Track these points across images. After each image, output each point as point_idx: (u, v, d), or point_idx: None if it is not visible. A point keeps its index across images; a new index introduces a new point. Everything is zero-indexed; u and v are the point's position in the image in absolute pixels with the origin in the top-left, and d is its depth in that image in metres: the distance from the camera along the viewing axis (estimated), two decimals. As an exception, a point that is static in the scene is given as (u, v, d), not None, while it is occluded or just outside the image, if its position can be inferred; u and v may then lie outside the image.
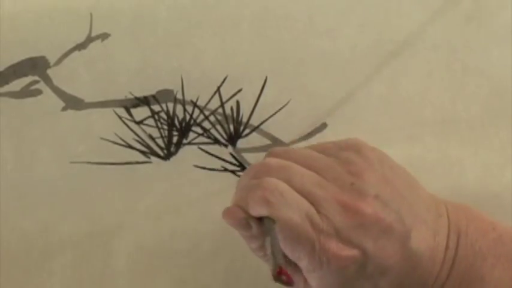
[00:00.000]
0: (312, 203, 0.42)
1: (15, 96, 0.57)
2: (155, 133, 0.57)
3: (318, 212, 0.42)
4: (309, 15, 0.57)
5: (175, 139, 0.57)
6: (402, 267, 0.43)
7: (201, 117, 0.56)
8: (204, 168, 0.56)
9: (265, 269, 0.56)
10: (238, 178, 0.55)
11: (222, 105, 0.56)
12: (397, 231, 0.42)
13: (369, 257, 0.42)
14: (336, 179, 0.43)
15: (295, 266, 0.44)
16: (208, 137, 0.56)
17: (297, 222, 0.42)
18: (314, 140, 0.57)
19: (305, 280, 0.45)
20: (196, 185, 0.56)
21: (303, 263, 0.43)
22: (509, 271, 0.44)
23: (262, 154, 0.56)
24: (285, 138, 0.56)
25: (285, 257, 0.44)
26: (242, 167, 0.56)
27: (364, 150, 0.45)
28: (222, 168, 0.56)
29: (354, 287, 0.43)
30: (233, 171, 0.56)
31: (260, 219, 0.44)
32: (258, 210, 0.43)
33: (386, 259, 0.42)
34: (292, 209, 0.42)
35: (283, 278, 0.40)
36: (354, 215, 0.42)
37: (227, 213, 0.45)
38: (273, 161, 0.45)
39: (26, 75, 0.57)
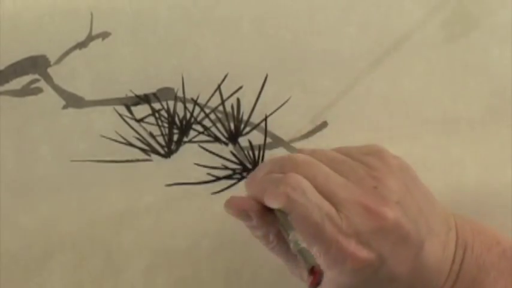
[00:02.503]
0: (334, 204, 0.43)
1: (15, 94, 0.57)
2: (156, 131, 0.57)
3: (339, 212, 0.42)
4: (309, 14, 0.57)
5: (175, 137, 0.57)
6: (410, 277, 0.43)
7: (202, 115, 0.57)
8: (204, 166, 0.56)
9: (265, 269, 0.56)
10: (237, 176, 0.56)
11: (223, 103, 0.56)
12: (412, 240, 0.43)
13: (384, 262, 0.42)
14: (359, 182, 0.43)
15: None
16: (209, 135, 0.56)
17: (316, 221, 0.42)
18: (315, 138, 0.57)
19: None
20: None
21: (318, 261, 0.42)
22: None
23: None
24: (286, 136, 0.57)
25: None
26: (243, 165, 0.56)
27: (386, 157, 0.45)
28: (223, 167, 0.56)
29: None
30: (233, 170, 0.56)
31: (270, 209, 0.44)
32: (275, 204, 0.44)
33: (399, 267, 0.43)
34: (312, 208, 0.42)
35: (310, 278, 0.40)
36: (375, 218, 0.42)
37: (229, 204, 0.46)
38: (301, 156, 0.45)
39: (26, 73, 0.57)
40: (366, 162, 0.45)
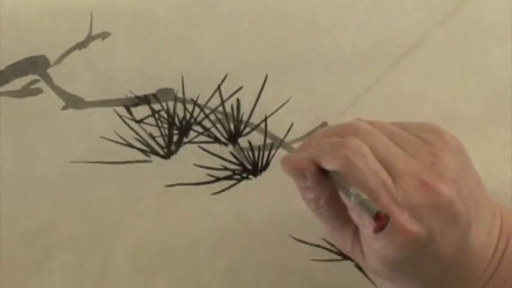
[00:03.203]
0: (391, 175, 0.42)
1: (15, 95, 0.57)
2: (155, 132, 0.57)
3: (396, 183, 0.42)
4: (309, 14, 0.57)
5: (175, 138, 0.57)
6: (454, 258, 0.43)
7: (202, 115, 0.57)
8: (204, 167, 0.56)
9: (265, 269, 0.56)
10: (237, 176, 0.56)
11: (223, 103, 0.56)
12: (462, 220, 0.42)
13: (433, 240, 0.42)
14: (418, 156, 0.43)
15: (354, 231, 0.45)
16: (209, 136, 0.56)
17: (371, 187, 0.41)
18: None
19: (361, 250, 0.45)
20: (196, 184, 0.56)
21: (367, 230, 0.42)
22: None
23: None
24: (286, 137, 0.56)
25: (349, 220, 0.44)
26: (242, 165, 0.56)
27: (444, 135, 0.45)
28: (223, 167, 0.56)
29: (403, 267, 0.43)
30: (233, 170, 0.56)
31: (324, 171, 0.44)
32: (333, 166, 0.43)
33: (445, 246, 0.42)
34: (370, 174, 0.42)
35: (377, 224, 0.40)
36: (431, 193, 0.42)
37: (286, 161, 0.45)
38: (362, 124, 0.45)
39: (26, 74, 0.57)
40: (424, 138, 0.44)
